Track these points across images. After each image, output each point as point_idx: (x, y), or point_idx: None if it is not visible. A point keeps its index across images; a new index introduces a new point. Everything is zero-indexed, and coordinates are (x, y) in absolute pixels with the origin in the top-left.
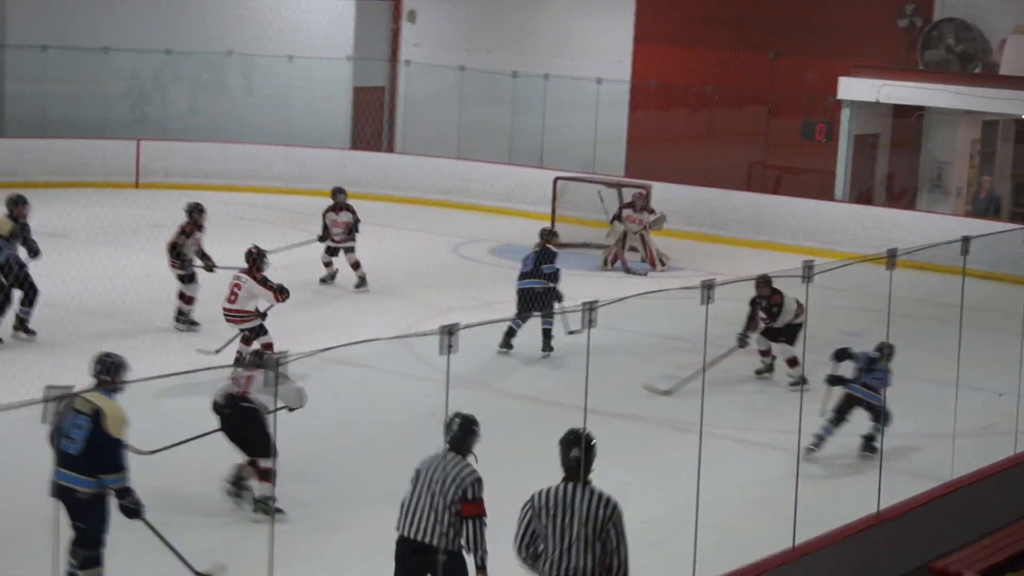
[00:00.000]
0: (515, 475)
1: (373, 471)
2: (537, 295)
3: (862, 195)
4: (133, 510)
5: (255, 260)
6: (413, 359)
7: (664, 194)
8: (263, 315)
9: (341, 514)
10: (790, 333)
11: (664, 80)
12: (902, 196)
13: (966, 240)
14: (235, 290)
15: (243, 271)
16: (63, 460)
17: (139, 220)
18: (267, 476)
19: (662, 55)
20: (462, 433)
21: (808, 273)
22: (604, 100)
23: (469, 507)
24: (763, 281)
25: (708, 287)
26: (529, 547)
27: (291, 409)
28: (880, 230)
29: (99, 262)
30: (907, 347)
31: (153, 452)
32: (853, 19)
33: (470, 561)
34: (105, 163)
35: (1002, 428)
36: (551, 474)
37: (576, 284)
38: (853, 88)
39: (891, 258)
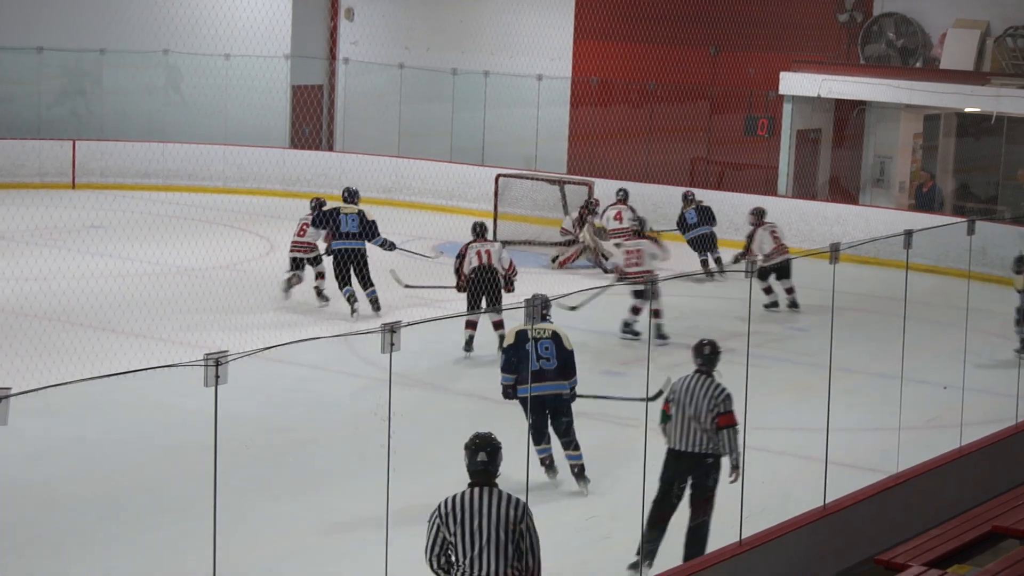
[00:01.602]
0: (460, 471)
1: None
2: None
3: (805, 190)
4: None
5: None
6: (355, 358)
7: (607, 190)
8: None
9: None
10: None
11: (605, 76)
12: (844, 191)
13: (909, 234)
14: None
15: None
16: (541, 376)
17: (76, 221)
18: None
19: (603, 51)
20: (712, 355)
21: (752, 268)
22: (545, 97)
23: (724, 419)
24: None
25: (651, 283)
26: (440, 557)
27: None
28: (823, 225)
29: (35, 263)
30: (851, 341)
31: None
32: (794, 14)
33: (725, 462)
34: (40, 164)
35: (946, 421)
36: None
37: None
38: (795, 83)
39: (834, 252)
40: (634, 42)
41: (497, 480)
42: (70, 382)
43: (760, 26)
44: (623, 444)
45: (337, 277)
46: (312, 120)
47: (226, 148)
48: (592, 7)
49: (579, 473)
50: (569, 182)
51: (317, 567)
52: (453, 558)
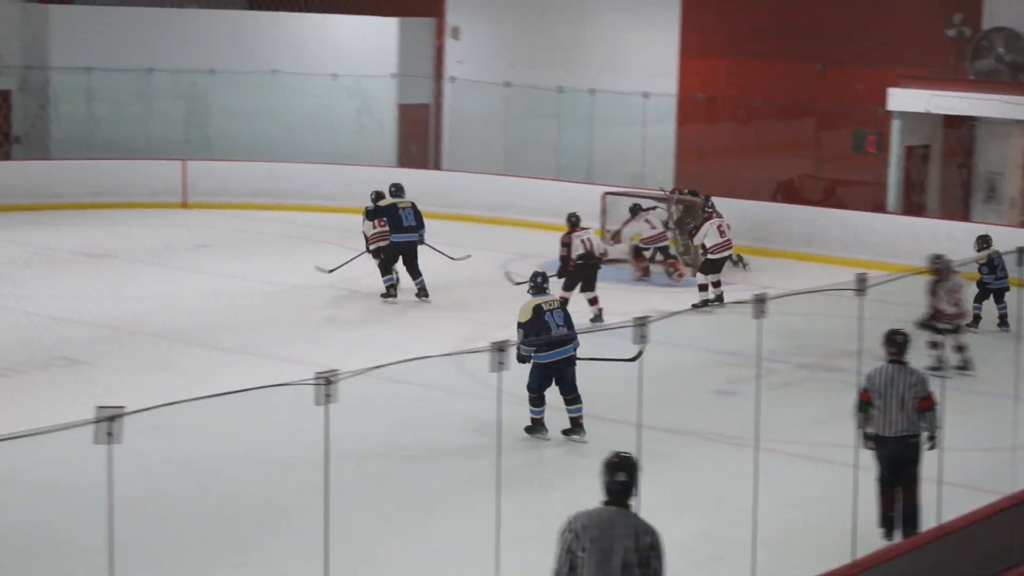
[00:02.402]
0: (569, 489)
1: (424, 483)
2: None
3: (914, 207)
4: None
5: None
6: (464, 376)
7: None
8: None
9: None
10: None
11: (711, 93)
12: (955, 207)
13: (1021, 251)
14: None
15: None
16: (559, 342)
17: (186, 240)
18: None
19: (709, 68)
20: (904, 344)
21: (861, 286)
22: (651, 114)
23: (926, 402)
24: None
25: (760, 301)
26: (565, 568)
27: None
28: (933, 242)
29: (146, 282)
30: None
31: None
32: (901, 29)
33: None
34: (151, 184)
35: None
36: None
37: (626, 299)
38: (903, 99)
39: (946, 270)
40: (740, 58)
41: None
42: (182, 400)
43: (867, 41)
44: (733, 463)
45: (385, 265)
46: (419, 139)
47: (334, 167)
48: (698, 24)
49: (578, 422)
50: (676, 200)
51: None
52: (578, 569)
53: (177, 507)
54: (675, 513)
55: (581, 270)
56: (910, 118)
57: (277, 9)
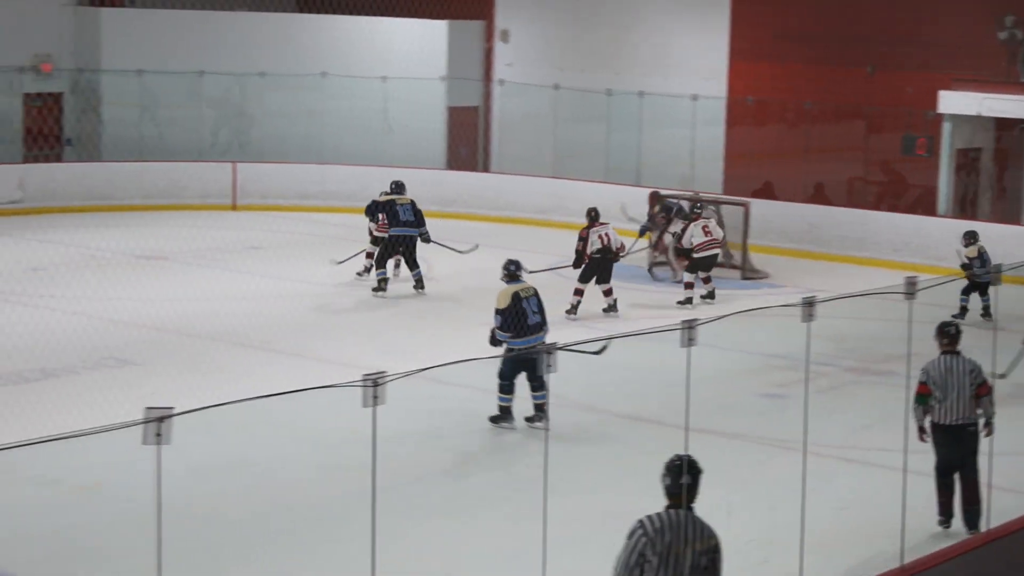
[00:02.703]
0: (616, 492)
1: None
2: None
3: (966, 210)
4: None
5: None
6: None
7: (763, 210)
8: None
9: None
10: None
11: (760, 96)
12: (1006, 211)
13: None
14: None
15: None
16: (535, 328)
17: (236, 242)
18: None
19: (758, 71)
20: (957, 335)
21: (911, 290)
22: (700, 117)
23: (983, 388)
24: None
25: (809, 304)
26: (634, 572)
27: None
28: (986, 245)
29: (197, 284)
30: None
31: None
32: (951, 32)
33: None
34: (202, 186)
35: None
36: (652, 492)
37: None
38: (953, 102)
39: (996, 273)
40: (789, 61)
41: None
42: (231, 402)
43: (917, 45)
44: (780, 466)
45: (381, 258)
46: (468, 141)
47: (383, 169)
48: (747, 27)
49: (541, 408)
50: (725, 202)
51: None
52: (647, 570)
53: (224, 508)
54: (722, 516)
55: (598, 264)
56: (961, 121)
57: (327, 12)
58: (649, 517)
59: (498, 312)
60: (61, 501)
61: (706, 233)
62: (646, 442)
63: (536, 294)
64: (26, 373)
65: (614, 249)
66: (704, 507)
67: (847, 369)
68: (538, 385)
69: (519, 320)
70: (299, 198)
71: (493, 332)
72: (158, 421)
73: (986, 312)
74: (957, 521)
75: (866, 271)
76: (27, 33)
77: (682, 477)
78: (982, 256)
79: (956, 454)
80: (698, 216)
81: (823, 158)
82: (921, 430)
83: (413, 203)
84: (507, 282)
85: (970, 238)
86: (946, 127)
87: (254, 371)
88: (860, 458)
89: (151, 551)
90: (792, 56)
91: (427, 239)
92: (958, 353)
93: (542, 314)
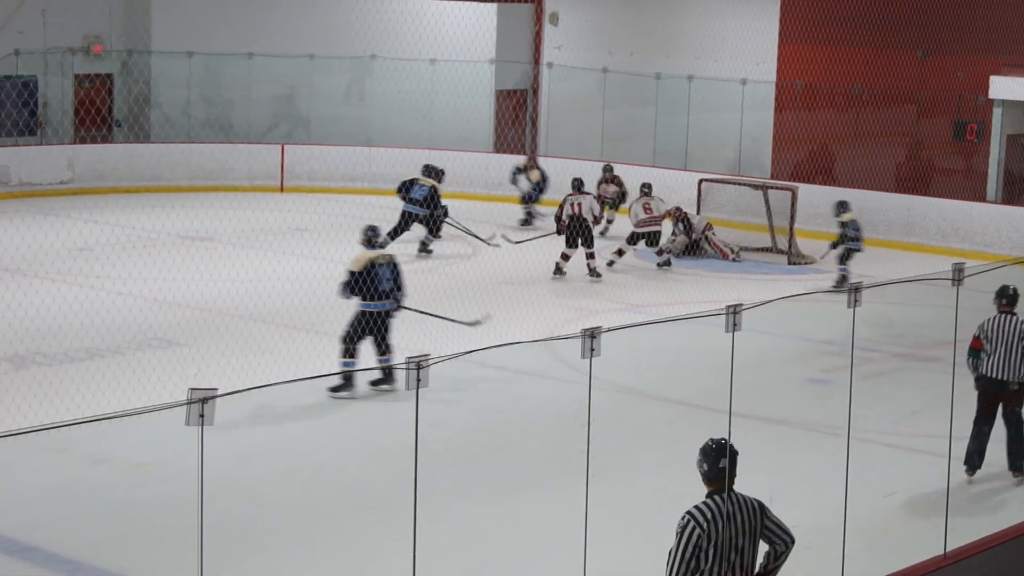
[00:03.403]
0: (660, 477)
1: (513, 467)
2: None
3: (1015, 196)
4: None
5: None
6: (556, 362)
7: (810, 196)
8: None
9: (478, 507)
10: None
11: (810, 80)
12: None
13: None
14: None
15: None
16: (384, 295)
17: (283, 223)
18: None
19: (808, 55)
20: (1015, 296)
21: (958, 276)
22: (749, 101)
23: None
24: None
25: (855, 290)
26: (690, 563)
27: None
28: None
29: (243, 265)
30: None
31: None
32: (1003, 17)
33: None
34: (250, 167)
35: None
36: (694, 478)
37: (721, 287)
38: (1005, 87)
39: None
40: (840, 45)
41: None
42: (276, 383)
43: (969, 30)
44: (825, 452)
45: (395, 232)
46: (516, 124)
47: (431, 152)
48: (797, 10)
49: (388, 372)
50: (772, 187)
51: (515, 572)
52: (703, 565)
53: (268, 489)
54: (765, 501)
55: (572, 230)
56: (1012, 106)
57: None
58: (698, 508)
59: (349, 273)
60: (109, 480)
61: (645, 210)
62: (690, 427)
63: (391, 262)
64: (72, 353)
65: (585, 216)
66: (747, 491)
67: (894, 355)
68: (385, 348)
69: (371, 284)
70: (346, 180)
71: (343, 289)
72: (202, 402)
73: (842, 281)
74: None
75: (914, 257)
76: (78, 14)
77: (721, 461)
78: (856, 224)
79: (995, 408)
80: (643, 195)
81: (872, 143)
82: (977, 380)
83: (434, 188)
84: (365, 247)
85: (842, 207)
86: (997, 113)
87: (299, 353)
88: (905, 444)
89: (195, 530)
90: (843, 39)
91: (438, 221)
92: (1014, 314)
93: (396, 281)
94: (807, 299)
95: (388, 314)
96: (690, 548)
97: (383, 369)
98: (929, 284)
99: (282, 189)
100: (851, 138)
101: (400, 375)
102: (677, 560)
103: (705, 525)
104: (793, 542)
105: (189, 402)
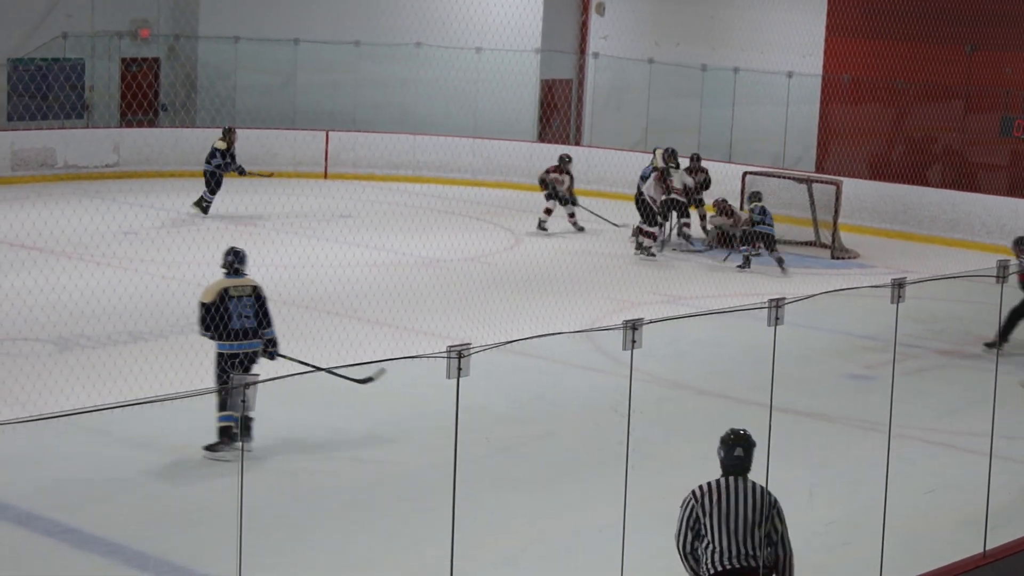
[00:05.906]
0: (701, 471)
1: (552, 457)
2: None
3: None
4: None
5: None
6: (597, 353)
7: (855, 190)
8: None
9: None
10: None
11: (857, 74)
12: None
13: None
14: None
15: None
16: (243, 335)
17: (327, 210)
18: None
19: (855, 48)
20: None
21: (1003, 273)
22: (795, 94)
23: None
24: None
25: (899, 285)
26: (688, 533)
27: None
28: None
29: (287, 251)
30: None
31: None
32: None
33: None
34: (295, 153)
35: None
36: None
37: (764, 281)
38: None
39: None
40: (887, 39)
41: None
42: (316, 369)
43: (1018, 24)
44: (865, 448)
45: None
46: (560, 114)
47: (475, 141)
48: (845, 4)
49: (247, 426)
50: (817, 180)
51: (553, 561)
52: (703, 532)
53: (309, 476)
54: (804, 497)
55: (666, 206)
56: None
57: None
58: (700, 485)
59: (201, 306)
60: (149, 465)
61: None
62: (729, 421)
63: (254, 294)
64: (115, 336)
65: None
66: (785, 488)
67: (936, 351)
68: (234, 405)
69: (221, 321)
70: (390, 167)
71: (200, 327)
72: (242, 388)
73: (746, 263)
74: None
75: (958, 253)
76: None
77: (735, 450)
78: (764, 210)
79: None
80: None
81: (919, 138)
82: None
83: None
84: (225, 274)
85: (755, 197)
86: None
87: (342, 339)
88: (946, 442)
89: (234, 514)
90: (890, 33)
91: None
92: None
93: (258, 318)
94: (850, 294)
95: (250, 359)
96: (685, 522)
97: (241, 423)
98: (973, 280)
99: (326, 176)
100: (897, 133)
101: (439, 364)
102: (677, 532)
103: (700, 497)
104: (787, 558)
105: (232, 387)
